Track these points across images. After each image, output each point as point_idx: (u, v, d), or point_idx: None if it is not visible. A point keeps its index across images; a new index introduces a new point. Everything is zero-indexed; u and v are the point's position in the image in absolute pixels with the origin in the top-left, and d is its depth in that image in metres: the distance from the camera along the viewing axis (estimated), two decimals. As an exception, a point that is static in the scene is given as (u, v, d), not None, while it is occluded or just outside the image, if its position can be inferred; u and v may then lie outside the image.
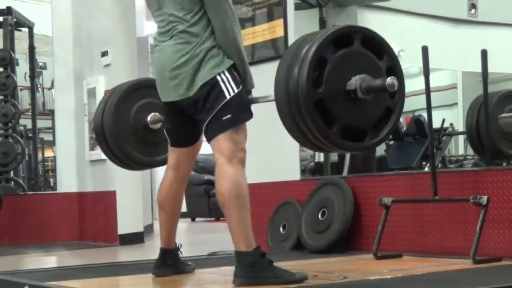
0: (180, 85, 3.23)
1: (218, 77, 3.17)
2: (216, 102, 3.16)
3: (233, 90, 3.17)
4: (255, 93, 3.37)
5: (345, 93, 2.90)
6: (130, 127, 3.90)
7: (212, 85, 3.17)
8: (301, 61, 2.87)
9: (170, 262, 3.58)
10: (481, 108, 4.96)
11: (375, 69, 2.98)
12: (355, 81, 2.90)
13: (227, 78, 3.18)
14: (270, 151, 5.42)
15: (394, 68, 3.05)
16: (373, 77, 2.93)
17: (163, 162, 3.64)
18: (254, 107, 3.31)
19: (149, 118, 3.87)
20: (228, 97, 3.16)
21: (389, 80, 2.89)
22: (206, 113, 3.18)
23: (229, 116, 3.15)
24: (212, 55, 3.20)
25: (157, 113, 3.82)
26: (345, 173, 5.51)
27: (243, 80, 3.23)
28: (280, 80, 2.96)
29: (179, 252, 3.64)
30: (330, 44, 2.92)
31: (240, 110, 3.19)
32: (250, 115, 3.25)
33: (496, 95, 4.82)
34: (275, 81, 3.02)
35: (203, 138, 3.43)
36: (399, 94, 3.03)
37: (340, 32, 2.97)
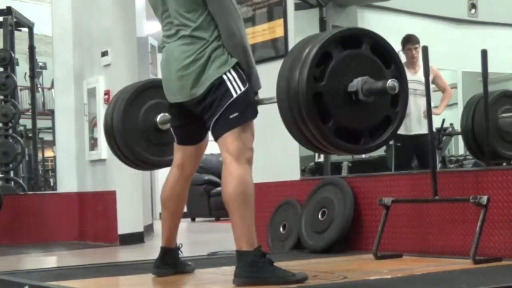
0: (186, 86, 3.25)
1: (224, 76, 3.18)
2: (222, 101, 3.17)
3: (240, 89, 3.18)
4: (255, 92, 3.37)
5: (346, 93, 2.90)
6: (139, 127, 3.91)
7: (219, 85, 3.18)
8: (305, 56, 2.87)
9: (170, 262, 3.58)
10: (476, 108, 4.94)
11: (380, 75, 2.96)
12: (356, 83, 2.90)
13: (233, 77, 3.20)
14: (270, 151, 5.42)
15: (399, 79, 3.02)
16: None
17: (172, 163, 3.63)
18: (254, 107, 3.31)
19: (158, 118, 3.88)
20: (234, 95, 3.17)
21: (390, 82, 2.88)
22: (213, 112, 3.19)
23: (236, 114, 3.16)
24: (217, 55, 3.21)
25: (166, 114, 3.81)
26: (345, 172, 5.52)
27: (248, 78, 3.24)
28: (283, 73, 2.97)
29: (179, 252, 3.64)
30: (338, 42, 2.92)
31: (247, 108, 3.20)
32: (256, 113, 3.26)
33: (490, 96, 4.79)
34: (279, 74, 3.04)
35: (209, 139, 3.45)
36: (401, 105, 3.01)
37: (349, 32, 2.96)
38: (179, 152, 3.51)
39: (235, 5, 3.27)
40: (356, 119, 2.94)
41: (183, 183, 3.54)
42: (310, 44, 2.95)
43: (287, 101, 2.96)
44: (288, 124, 3.04)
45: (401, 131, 6.14)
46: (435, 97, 6.56)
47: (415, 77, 6.01)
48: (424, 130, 5.91)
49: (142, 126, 3.91)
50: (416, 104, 6.14)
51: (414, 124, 6.24)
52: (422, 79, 6.15)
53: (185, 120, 3.42)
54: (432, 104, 6.40)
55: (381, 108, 2.98)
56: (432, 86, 6.33)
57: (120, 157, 4.00)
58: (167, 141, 3.69)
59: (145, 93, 3.94)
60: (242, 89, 3.19)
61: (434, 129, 6.41)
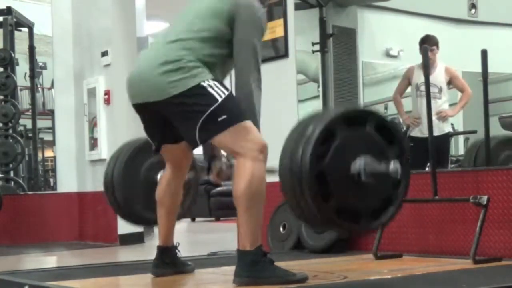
0: (162, 83, 3.13)
1: (204, 83, 3.11)
2: (206, 106, 3.08)
3: (223, 93, 3.12)
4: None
5: (348, 173, 2.88)
6: (140, 184, 3.91)
7: (200, 89, 3.10)
8: (309, 134, 2.85)
9: (168, 260, 3.58)
10: (478, 154, 4.94)
11: (383, 155, 2.95)
12: (359, 164, 2.88)
13: (214, 84, 3.13)
14: (270, 151, 5.41)
15: (401, 159, 3.01)
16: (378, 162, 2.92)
17: None
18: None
19: (159, 176, 3.84)
20: (219, 99, 3.09)
21: (392, 166, 2.88)
22: (196, 116, 3.09)
23: (224, 117, 3.09)
24: (197, 69, 3.13)
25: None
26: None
27: None
28: (287, 150, 2.94)
29: (177, 251, 3.64)
30: (342, 121, 2.91)
31: (235, 110, 3.13)
32: (246, 117, 3.17)
33: (493, 140, 4.68)
34: (282, 150, 3.01)
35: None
36: (402, 186, 3.00)
37: (353, 112, 2.96)
38: (165, 154, 3.49)
39: (259, 60, 3.22)
40: (358, 198, 2.91)
41: (177, 180, 3.53)
42: (314, 123, 2.92)
43: (290, 178, 2.94)
44: (290, 201, 3.01)
45: (417, 134, 6.16)
46: (453, 95, 6.58)
47: (430, 79, 5.97)
48: (437, 132, 5.87)
49: (143, 184, 3.90)
50: None
51: None
52: (438, 81, 6.19)
53: (159, 124, 3.34)
54: (449, 102, 6.44)
55: (382, 189, 2.95)
56: (449, 86, 6.36)
57: (120, 214, 4.01)
58: None
59: (147, 150, 3.85)
60: (226, 93, 3.12)
61: (448, 131, 6.44)
